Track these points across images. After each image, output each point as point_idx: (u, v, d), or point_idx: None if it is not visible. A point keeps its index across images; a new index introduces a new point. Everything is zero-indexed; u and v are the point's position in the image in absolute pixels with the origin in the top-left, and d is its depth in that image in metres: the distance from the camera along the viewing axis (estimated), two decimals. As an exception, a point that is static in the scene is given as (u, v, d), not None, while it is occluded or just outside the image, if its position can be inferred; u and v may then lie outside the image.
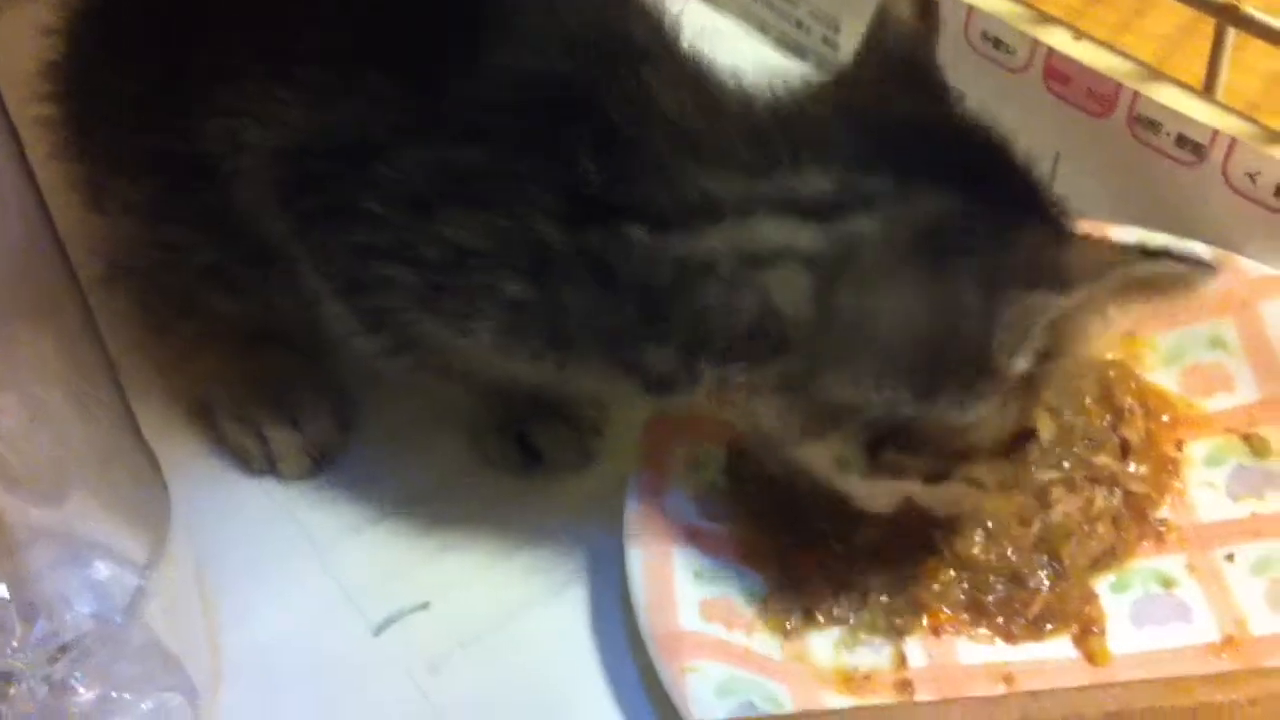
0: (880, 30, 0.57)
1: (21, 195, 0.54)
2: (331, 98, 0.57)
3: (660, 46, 0.58)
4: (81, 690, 0.57)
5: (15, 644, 0.56)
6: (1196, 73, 0.71)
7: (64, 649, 0.57)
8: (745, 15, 0.89)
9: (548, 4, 0.58)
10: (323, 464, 0.67)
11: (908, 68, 0.56)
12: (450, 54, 0.56)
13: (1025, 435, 0.56)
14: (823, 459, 0.55)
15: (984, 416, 0.53)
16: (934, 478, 0.55)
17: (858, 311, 0.52)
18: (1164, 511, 0.61)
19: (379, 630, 0.62)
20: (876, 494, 0.57)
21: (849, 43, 0.83)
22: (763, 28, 0.88)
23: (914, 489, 0.56)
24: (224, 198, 0.60)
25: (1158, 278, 0.51)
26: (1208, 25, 0.70)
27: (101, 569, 0.59)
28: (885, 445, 0.54)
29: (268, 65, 0.58)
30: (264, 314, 0.65)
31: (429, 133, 0.56)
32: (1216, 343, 0.65)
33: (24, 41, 0.66)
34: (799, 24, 0.86)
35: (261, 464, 0.67)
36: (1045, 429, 0.58)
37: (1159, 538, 0.61)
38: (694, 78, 0.57)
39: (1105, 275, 0.50)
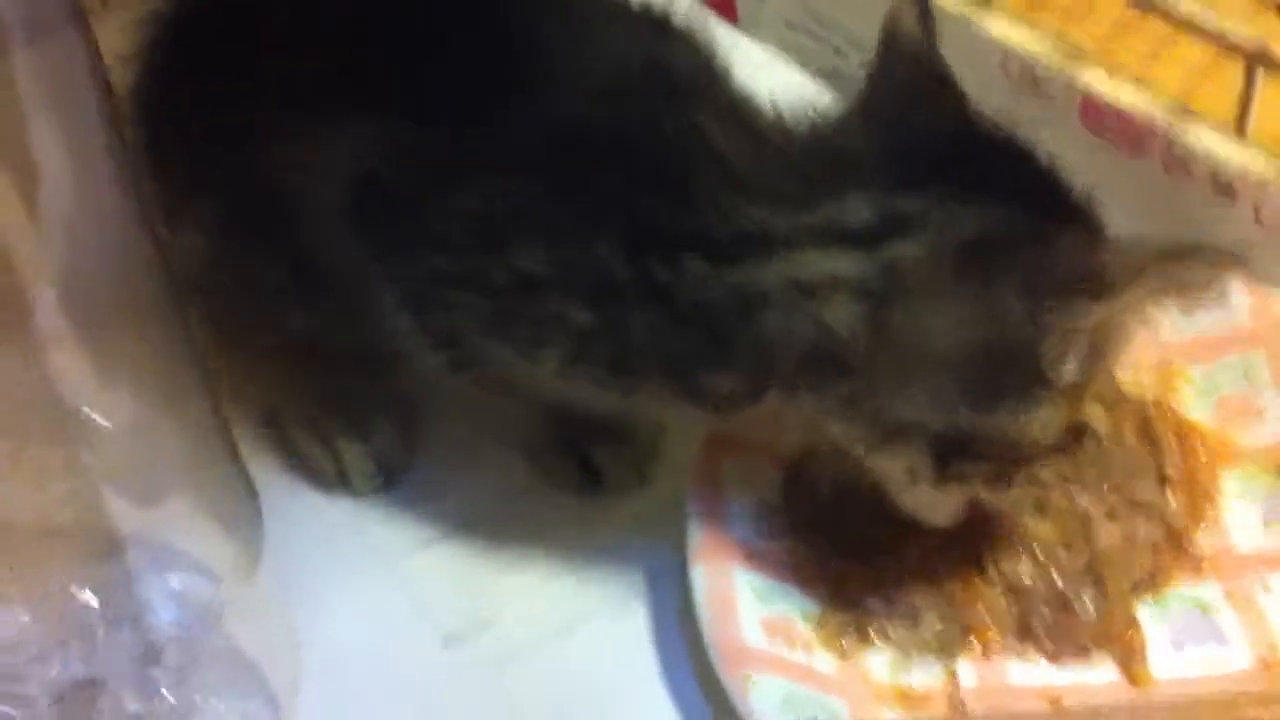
0: (890, 46, 0.59)
1: (123, 200, 0.56)
2: (403, 129, 0.59)
3: (707, 84, 0.60)
4: (167, 696, 0.59)
5: (102, 651, 0.59)
6: (1228, 103, 0.72)
7: (150, 655, 0.59)
8: (784, 44, 0.91)
9: (600, 44, 0.60)
10: (391, 480, 0.69)
11: (923, 80, 0.58)
12: (511, 91, 0.58)
13: (1079, 430, 0.58)
14: (893, 469, 0.57)
15: (1043, 421, 0.55)
16: (998, 481, 0.57)
17: (910, 333, 0.54)
18: (1201, 540, 0.64)
19: (449, 641, 0.64)
20: (943, 503, 0.59)
21: (887, 71, 0.86)
22: (801, 56, 0.90)
23: (980, 492, 0.58)
24: (296, 220, 0.62)
25: (1191, 276, 0.53)
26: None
27: (185, 577, 0.61)
28: (951, 456, 0.56)
29: (339, 95, 0.60)
30: (332, 332, 0.66)
31: (494, 165, 0.58)
32: (1249, 375, 0.68)
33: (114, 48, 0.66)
34: (837, 51, 0.88)
35: (333, 480, 0.69)
36: (1098, 420, 0.60)
37: (1196, 566, 0.63)
38: (739, 114, 0.59)
39: (1142, 278, 0.52)
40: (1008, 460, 0.57)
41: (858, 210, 0.55)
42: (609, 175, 0.57)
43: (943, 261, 0.54)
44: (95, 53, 0.52)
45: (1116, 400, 0.66)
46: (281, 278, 0.65)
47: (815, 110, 0.58)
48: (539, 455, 0.69)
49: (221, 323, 0.68)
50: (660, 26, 0.62)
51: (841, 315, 0.55)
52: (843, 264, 0.55)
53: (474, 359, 0.61)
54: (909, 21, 0.59)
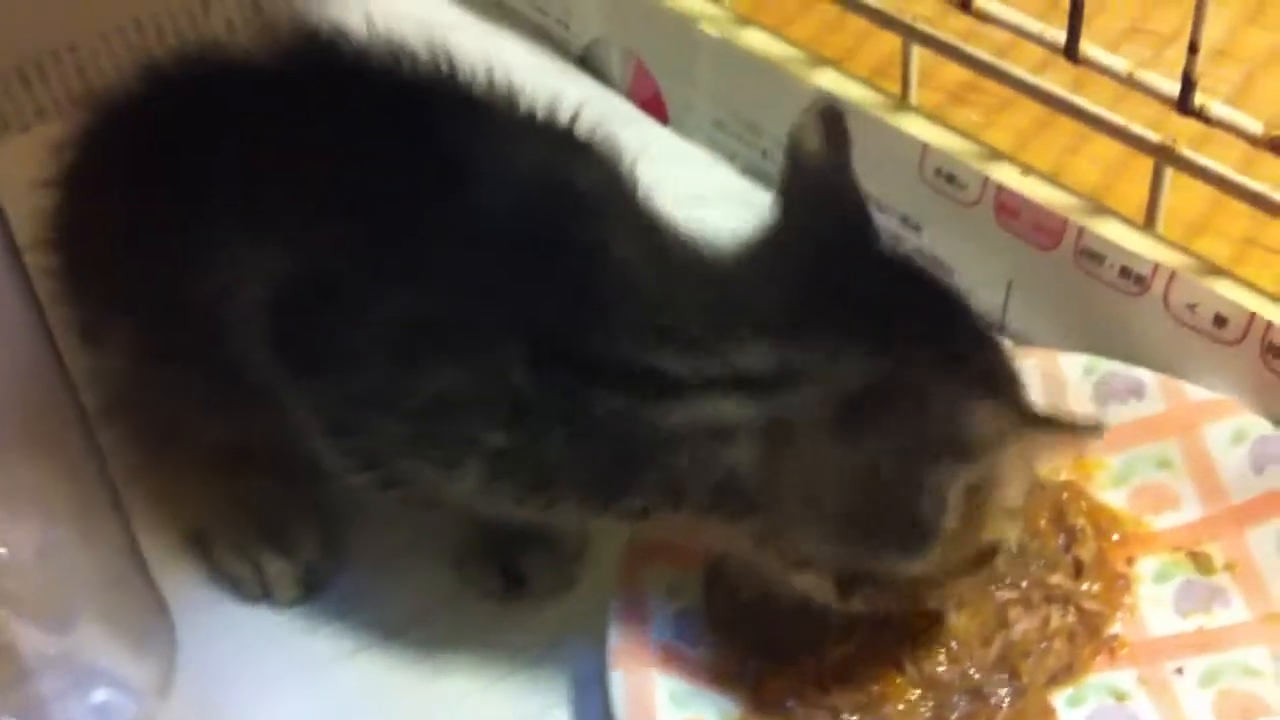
0: (794, 164, 0.60)
1: (27, 329, 0.57)
2: (307, 249, 0.60)
3: (616, 202, 0.61)
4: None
5: (23, 772, 0.59)
6: (1141, 196, 0.74)
7: (71, 775, 0.60)
8: (713, 144, 0.92)
9: (509, 160, 0.61)
10: (314, 589, 0.69)
11: (826, 199, 0.59)
12: (424, 210, 0.59)
13: (989, 551, 0.59)
14: (807, 587, 0.58)
15: (933, 562, 0.56)
16: (904, 602, 0.59)
17: (800, 481, 0.56)
18: (1116, 627, 0.64)
19: (374, 752, 0.64)
20: (865, 607, 0.59)
21: (812, 173, 0.87)
22: (730, 157, 0.91)
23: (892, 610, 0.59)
24: (216, 341, 0.62)
25: (1052, 442, 0.56)
26: (1151, 152, 0.74)
27: (104, 694, 0.62)
28: (853, 586, 0.57)
29: (247, 217, 0.61)
30: (253, 444, 0.67)
31: (398, 284, 0.59)
32: (1163, 463, 0.69)
33: (27, 172, 0.68)
34: (764, 153, 0.90)
35: (255, 590, 0.69)
36: (1011, 534, 0.60)
37: (1112, 652, 0.64)
38: (648, 238, 0.60)
39: (1003, 445, 0.54)
40: (912, 588, 0.58)
41: (755, 358, 0.56)
42: (517, 296, 0.58)
43: (825, 415, 0.55)
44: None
45: (1030, 488, 0.67)
46: (203, 394, 0.65)
47: (729, 237, 0.59)
48: (463, 563, 0.69)
49: (142, 439, 0.69)
50: (565, 140, 0.63)
51: (743, 457, 0.56)
52: (743, 410, 0.56)
53: (395, 479, 0.62)
54: (811, 139, 0.60)
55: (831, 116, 0.60)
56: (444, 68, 0.64)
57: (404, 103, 0.63)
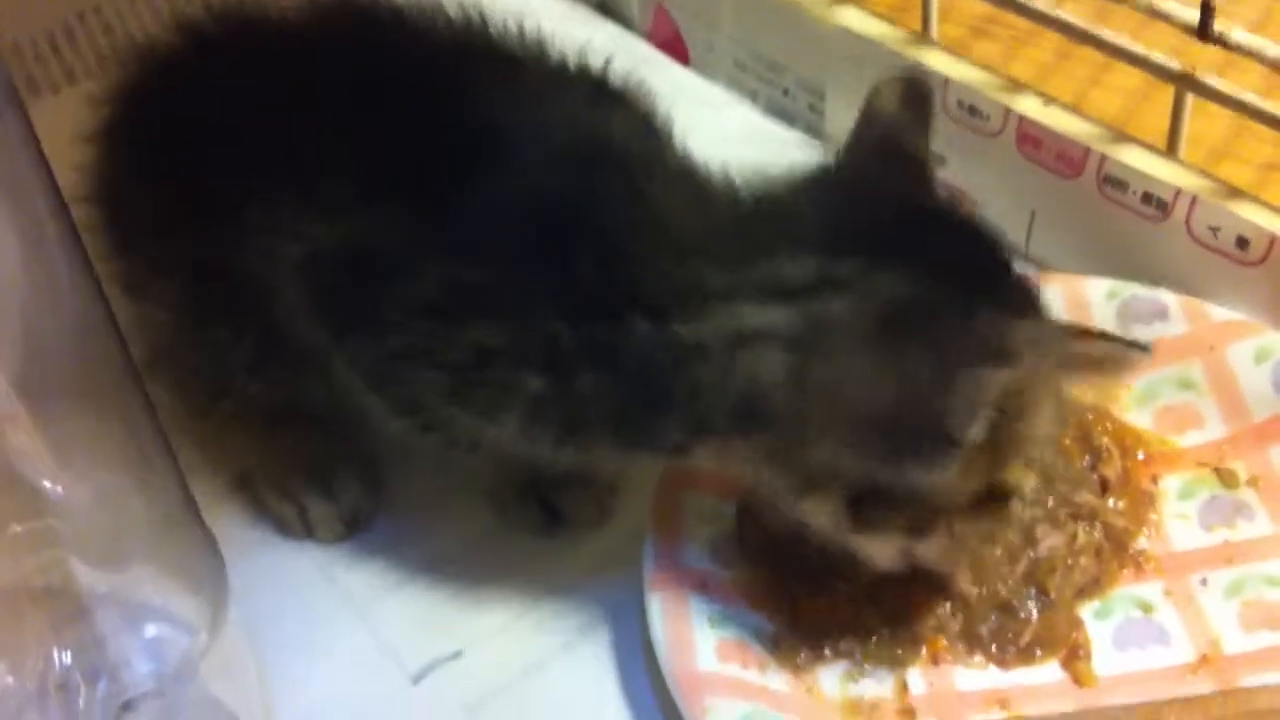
0: (865, 122, 0.61)
1: (77, 278, 0.57)
2: (350, 216, 0.61)
3: (649, 149, 0.62)
4: (146, 745, 0.61)
5: (81, 704, 0.60)
6: (1163, 126, 0.75)
7: (127, 707, 0.61)
8: (735, 84, 0.93)
9: (543, 118, 0.61)
10: (356, 528, 0.71)
11: (890, 158, 0.60)
12: (461, 172, 0.60)
13: (1005, 493, 0.59)
14: (819, 515, 0.59)
15: (950, 479, 0.56)
16: (915, 532, 0.59)
17: (828, 386, 0.56)
18: (1142, 542, 0.66)
19: (417, 679, 0.66)
20: (874, 549, 0.60)
21: (834, 109, 0.88)
22: (752, 96, 0.92)
23: (900, 543, 0.60)
24: (260, 300, 0.64)
25: (1095, 356, 0.55)
26: (1172, 79, 0.75)
27: (157, 630, 0.63)
28: (865, 504, 0.57)
29: (290, 182, 0.62)
30: (296, 398, 0.68)
31: (438, 250, 0.60)
32: (1186, 384, 0.70)
33: (69, 128, 0.68)
34: (786, 92, 0.91)
35: (300, 530, 0.71)
36: (1027, 484, 0.60)
37: (1138, 567, 0.65)
38: (683, 180, 0.61)
39: (1043, 351, 0.55)
40: (920, 513, 0.58)
41: (795, 267, 0.57)
42: (555, 248, 0.59)
43: (864, 321, 0.55)
44: (35, 139, 0.54)
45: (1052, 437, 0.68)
46: (246, 351, 0.67)
47: (768, 175, 0.60)
48: (502, 501, 0.71)
49: (188, 391, 0.70)
50: (599, 91, 0.64)
51: (769, 366, 0.57)
52: (775, 317, 0.56)
53: (438, 425, 0.63)
54: (887, 100, 0.60)
55: (917, 87, 0.61)
56: (477, 24, 0.65)
57: (441, 62, 0.64)
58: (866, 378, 0.56)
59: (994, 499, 0.59)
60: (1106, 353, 0.55)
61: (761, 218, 0.59)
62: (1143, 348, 0.55)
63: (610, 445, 0.61)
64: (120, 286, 0.69)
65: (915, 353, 0.55)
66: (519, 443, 0.62)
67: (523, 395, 0.59)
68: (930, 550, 0.60)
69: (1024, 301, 0.57)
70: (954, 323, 0.55)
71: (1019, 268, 0.59)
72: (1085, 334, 0.56)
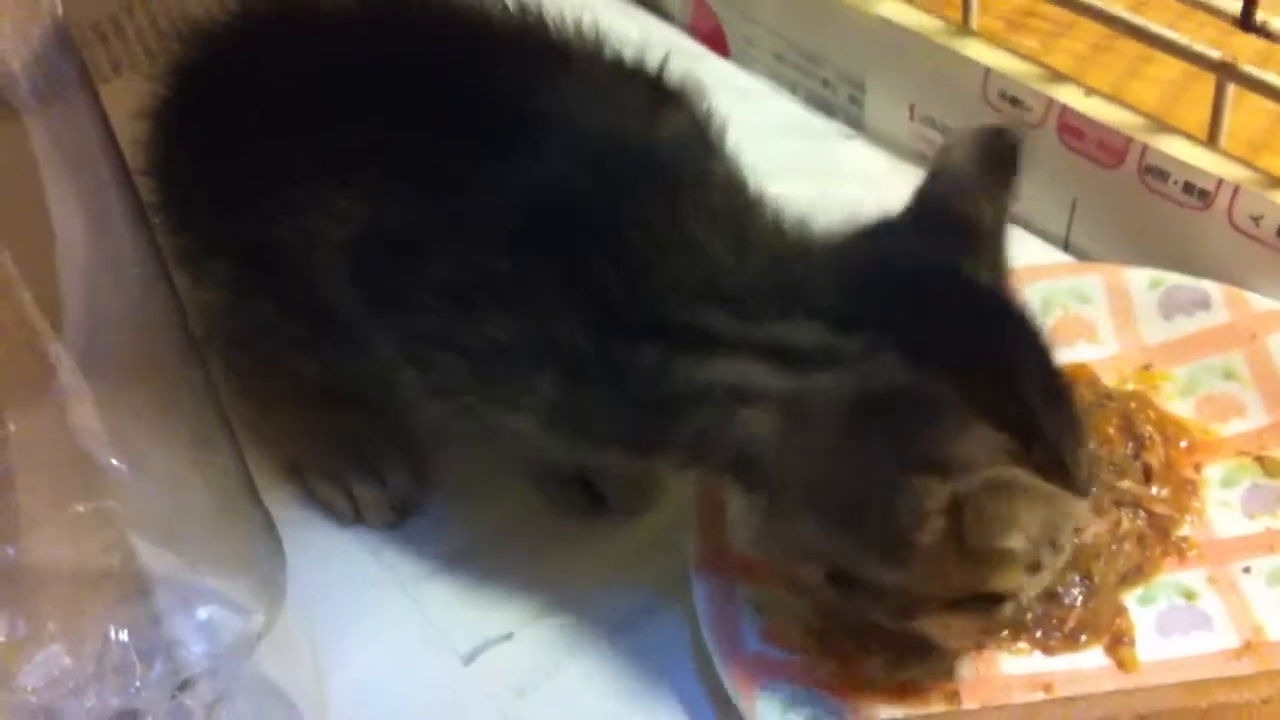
0: (932, 178, 0.59)
1: (141, 258, 0.58)
2: (380, 197, 0.61)
3: (697, 167, 0.61)
4: (201, 724, 0.62)
5: (138, 684, 0.61)
6: (1203, 116, 0.75)
7: (183, 686, 0.61)
8: (775, 76, 0.94)
9: (592, 113, 0.61)
10: (406, 515, 0.72)
11: (946, 223, 0.58)
12: (483, 162, 0.60)
13: (995, 598, 0.57)
14: (803, 575, 0.59)
15: (912, 577, 0.55)
16: (899, 618, 0.58)
17: (806, 461, 0.56)
18: (1185, 529, 0.66)
19: (468, 661, 0.67)
20: (870, 614, 0.59)
21: (874, 101, 0.88)
22: (792, 88, 0.93)
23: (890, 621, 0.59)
24: (307, 279, 0.64)
25: (1028, 487, 0.52)
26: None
27: (213, 611, 0.64)
28: (847, 584, 0.57)
29: (326, 163, 0.62)
30: (346, 379, 0.69)
31: (465, 236, 0.60)
32: (1228, 373, 0.70)
33: (116, 118, 0.69)
34: (825, 83, 0.91)
35: (349, 516, 0.72)
36: (1030, 590, 0.57)
37: (1181, 554, 0.65)
38: (725, 207, 0.60)
39: (980, 470, 0.52)
40: (900, 601, 0.57)
41: (800, 333, 0.56)
42: (584, 251, 0.58)
43: (844, 402, 0.55)
44: (104, 115, 0.55)
45: (1100, 399, 0.69)
46: (297, 330, 0.67)
47: (818, 219, 0.59)
48: (544, 483, 0.71)
49: (240, 372, 0.71)
50: (653, 92, 0.64)
51: (762, 427, 0.56)
52: (770, 379, 0.56)
53: (467, 411, 0.63)
54: (960, 156, 0.59)
55: (999, 142, 0.59)
56: (534, 16, 0.66)
57: (492, 52, 0.65)
58: (835, 461, 0.55)
59: (985, 600, 0.57)
60: (1037, 487, 0.52)
61: (789, 271, 0.58)
62: (1081, 490, 0.53)
63: (622, 455, 0.61)
64: (174, 261, 0.68)
65: (877, 445, 0.54)
66: (538, 442, 0.62)
67: (538, 395, 0.60)
68: (925, 628, 0.59)
69: (1020, 416, 0.53)
70: (918, 422, 0.53)
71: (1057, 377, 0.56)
72: (1029, 459, 0.52)
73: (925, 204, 0.59)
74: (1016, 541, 0.53)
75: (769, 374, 0.56)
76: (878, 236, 0.59)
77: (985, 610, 0.57)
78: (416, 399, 0.65)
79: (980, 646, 0.62)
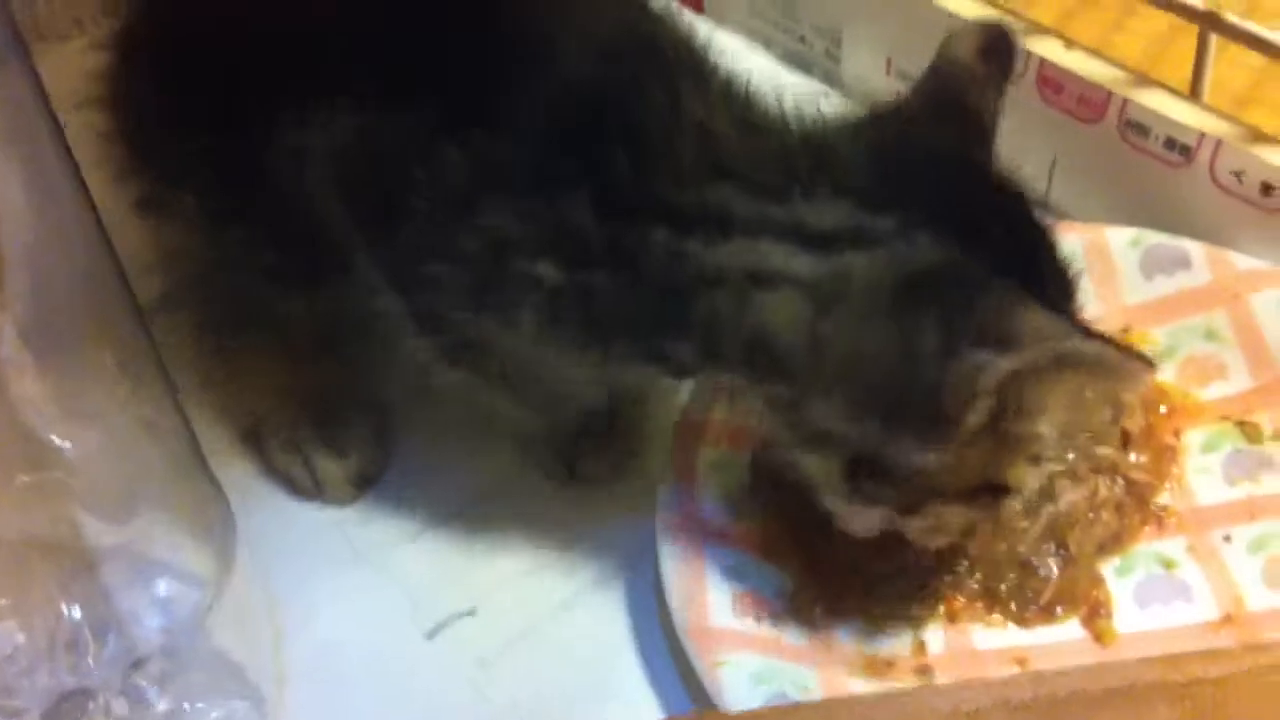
0: (934, 70, 0.58)
1: (83, 224, 0.57)
2: (374, 102, 0.59)
3: (695, 62, 0.60)
4: (156, 702, 0.61)
5: (91, 661, 0.60)
6: (1187, 71, 0.73)
7: (137, 664, 0.60)
8: (750, 31, 0.92)
9: (591, 15, 0.60)
10: (365, 489, 0.70)
11: (951, 112, 0.57)
12: (486, 59, 0.58)
13: (999, 489, 0.57)
14: (813, 472, 0.58)
15: (946, 462, 0.55)
16: (905, 510, 0.58)
17: (839, 345, 0.55)
18: (1164, 497, 0.65)
19: (432, 633, 0.65)
20: (857, 517, 0.59)
21: (851, 55, 0.87)
22: (767, 43, 0.91)
23: (888, 516, 0.58)
24: (289, 202, 0.62)
25: (1097, 360, 0.52)
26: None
27: (166, 585, 0.63)
28: (861, 472, 0.56)
29: (316, 71, 0.60)
30: (319, 318, 0.67)
31: (468, 132, 0.58)
32: (1211, 334, 0.69)
33: (76, 72, 0.67)
34: (802, 39, 0.89)
35: (310, 490, 0.70)
36: (1028, 486, 0.58)
37: (1160, 522, 0.64)
38: (729, 95, 0.59)
39: (1045, 345, 0.52)
40: (914, 490, 0.56)
41: (826, 213, 0.55)
42: (590, 138, 0.57)
43: (884, 282, 0.54)
44: (40, 83, 0.53)
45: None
46: (273, 257, 0.65)
47: (819, 111, 0.58)
48: (526, 449, 0.70)
49: (203, 324, 0.70)
50: (642, 6, 0.62)
51: (783, 312, 0.55)
52: (798, 261, 0.55)
53: (464, 346, 0.62)
54: (961, 49, 0.58)
55: (996, 38, 0.59)
56: None
57: None
58: (876, 343, 0.54)
59: (990, 492, 0.57)
60: (1107, 358, 0.52)
61: (805, 154, 0.57)
62: (1148, 362, 0.53)
63: (625, 355, 0.59)
64: (134, 203, 0.67)
65: (926, 325, 0.53)
66: (539, 353, 0.60)
67: (540, 288, 0.58)
68: (910, 525, 0.59)
69: (1052, 289, 0.55)
70: (969, 300, 0.53)
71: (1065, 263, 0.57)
72: (1093, 336, 0.52)
73: (931, 93, 0.59)
74: (1045, 426, 0.54)
75: (791, 256, 0.55)
76: (890, 122, 0.58)
77: (986, 504, 0.57)
78: (397, 336, 0.62)
79: (953, 552, 0.62)
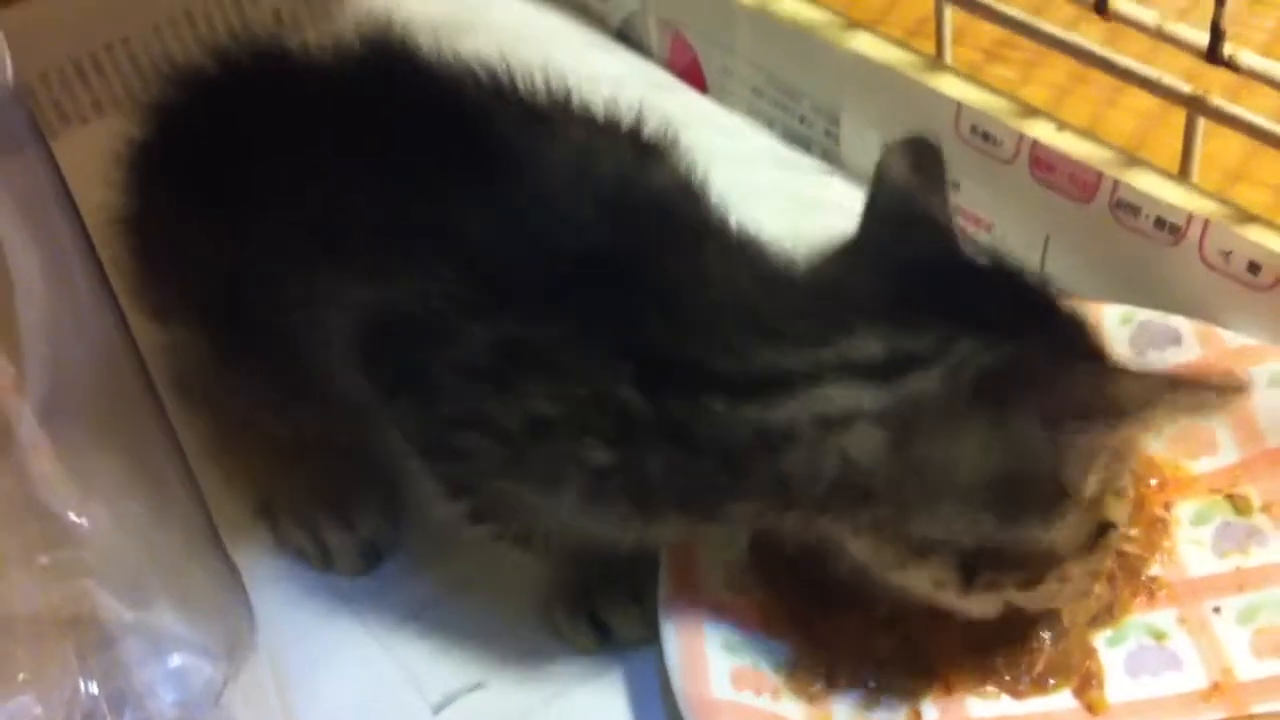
0: (877, 190, 0.61)
1: (99, 304, 0.58)
2: (394, 278, 0.59)
3: (696, 212, 0.61)
4: (172, 775, 0.62)
5: (107, 734, 0.62)
6: (1177, 148, 0.75)
7: (152, 737, 0.62)
8: (752, 112, 0.94)
9: (589, 173, 0.60)
10: (376, 562, 0.72)
11: (908, 222, 0.60)
12: (502, 227, 0.59)
13: (1105, 527, 0.59)
14: (920, 583, 0.59)
15: (1070, 529, 0.57)
16: (1027, 584, 0.59)
17: (934, 460, 0.55)
18: (1155, 569, 0.66)
19: (438, 709, 0.66)
20: (978, 606, 0.60)
21: (849, 135, 0.88)
22: (769, 123, 0.93)
23: (1010, 596, 0.59)
24: (287, 351, 0.63)
25: (1197, 403, 0.54)
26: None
27: (181, 660, 0.64)
28: (978, 567, 0.57)
29: (325, 239, 0.61)
30: (318, 436, 0.68)
31: (490, 309, 0.58)
32: (1200, 409, 0.70)
33: (89, 163, 0.68)
34: (802, 119, 0.91)
35: (319, 562, 0.72)
36: (1124, 511, 0.61)
37: (1151, 594, 0.65)
38: (734, 247, 0.60)
39: (1153, 406, 0.54)
40: (1035, 565, 0.58)
41: (868, 345, 0.56)
42: (615, 310, 0.58)
43: (959, 391, 0.55)
44: (57, 167, 0.55)
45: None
46: (270, 394, 0.67)
47: (811, 250, 0.60)
48: (553, 618, 0.69)
49: (211, 417, 0.71)
50: (636, 144, 0.63)
51: (864, 445, 0.56)
52: (862, 396, 0.56)
53: (491, 508, 0.62)
54: (896, 166, 0.61)
55: (923, 149, 0.61)
56: (505, 81, 0.65)
57: (475, 120, 0.63)
58: (974, 446, 0.55)
59: (1095, 535, 0.59)
60: (1209, 400, 0.54)
61: (825, 294, 0.58)
62: (1240, 384, 0.55)
63: (676, 520, 0.60)
64: (148, 314, 0.69)
65: (1021, 415, 0.54)
66: (578, 519, 0.60)
67: (584, 467, 0.58)
68: (1032, 597, 0.60)
69: (1089, 342, 0.58)
70: (1057, 380, 0.55)
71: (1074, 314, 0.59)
72: (1182, 383, 0.55)
73: (883, 213, 0.61)
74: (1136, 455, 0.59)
75: (853, 392, 0.56)
76: (869, 248, 0.60)
77: (1098, 546, 0.59)
78: (431, 492, 0.63)
79: (1085, 595, 0.63)
